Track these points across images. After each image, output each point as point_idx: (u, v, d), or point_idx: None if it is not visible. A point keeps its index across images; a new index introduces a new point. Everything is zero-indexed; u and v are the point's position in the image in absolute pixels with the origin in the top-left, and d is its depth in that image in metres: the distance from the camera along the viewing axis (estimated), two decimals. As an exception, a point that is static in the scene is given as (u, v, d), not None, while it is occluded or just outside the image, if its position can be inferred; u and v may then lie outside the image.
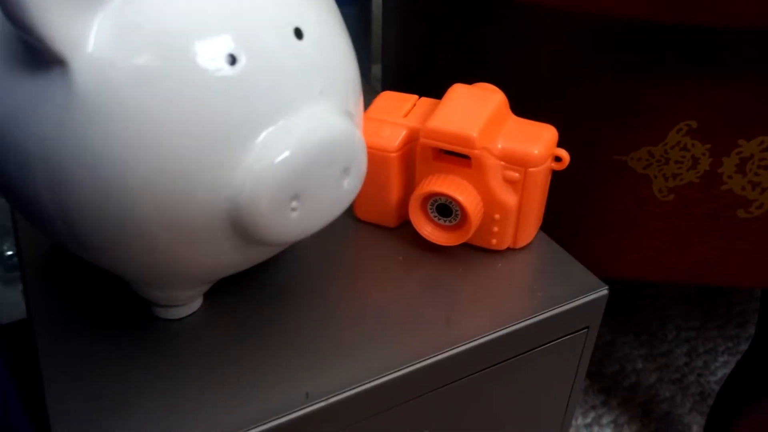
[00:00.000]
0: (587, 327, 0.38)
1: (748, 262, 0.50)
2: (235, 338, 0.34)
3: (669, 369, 0.84)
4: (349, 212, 0.42)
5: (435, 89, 0.40)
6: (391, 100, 0.40)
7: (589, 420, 0.78)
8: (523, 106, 0.39)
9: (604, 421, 0.78)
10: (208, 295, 0.36)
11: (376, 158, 0.37)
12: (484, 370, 0.36)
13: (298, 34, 0.27)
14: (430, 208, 0.38)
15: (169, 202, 0.26)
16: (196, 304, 0.35)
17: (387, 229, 0.41)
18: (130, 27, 0.24)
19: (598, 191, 0.48)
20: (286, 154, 0.26)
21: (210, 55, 0.25)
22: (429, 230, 0.38)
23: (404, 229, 0.41)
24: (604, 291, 0.37)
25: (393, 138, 0.38)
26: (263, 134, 0.26)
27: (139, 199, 0.26)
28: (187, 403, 0.31)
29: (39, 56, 0.24)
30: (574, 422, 0.78)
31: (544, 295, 0.37)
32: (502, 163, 0.36)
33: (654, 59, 0.42)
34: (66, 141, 0.25)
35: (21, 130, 0.26)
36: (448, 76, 0.41)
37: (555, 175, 0.39)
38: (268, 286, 0.37)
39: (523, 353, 0.37)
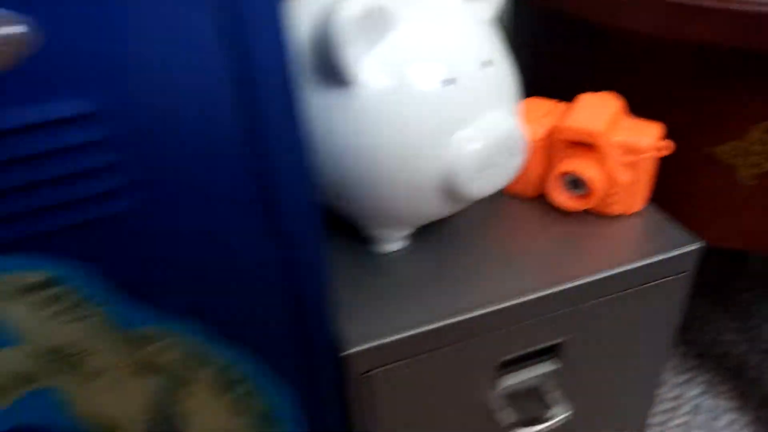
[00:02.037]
0: (686, 271, 0.51)
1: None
2: (428, 265, 0.50)
3: (759, 340, 0.93)
4: (500, 186, 0.57)
5: (562, 98, 0.54)
6: (535, 104, 0.54)
7: (684, 379, 0.89)
8: (635, 111, 0.52)
9: (699, 380, 0.89)
10: (410, 237, 0.52)
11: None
12: (602, 297, 0.50)
13: (489, 63, 0.42)
14: (564, 183, 0.52)
15: (403, 173, 0.42)
16: (403, 242, 0.51)
17: (528, 198, 0.56)
18: (389, 62, 0.40)
19: (692, 175, 0.61)
20: (480, 144, 0.41)
21: (434, 80, 0.40)
22: (562, 199, 0.53)
23: (541, 199, 0.55)
24: (700, 244, 0.50)
25: (538, 131, 0.52)
26: (465, 130, 0.41)
27: (387, 171, 0.42)
28: (392, 305, 0.47)
29: (337, 79, 0.40)
30: (671, 380, 0.89)
31: (652, 246, 0.50)
32: (620, 150, 0.50)
33: (739, 75, 0.54)
34: (346, 137, 0.41)
35: (315, 128, 0.42)
36: (572, 89, 0.55)
37: (659, 160, 0.51)
38: (450, 232, 0.53)
39: (634, 287, 0.50)
